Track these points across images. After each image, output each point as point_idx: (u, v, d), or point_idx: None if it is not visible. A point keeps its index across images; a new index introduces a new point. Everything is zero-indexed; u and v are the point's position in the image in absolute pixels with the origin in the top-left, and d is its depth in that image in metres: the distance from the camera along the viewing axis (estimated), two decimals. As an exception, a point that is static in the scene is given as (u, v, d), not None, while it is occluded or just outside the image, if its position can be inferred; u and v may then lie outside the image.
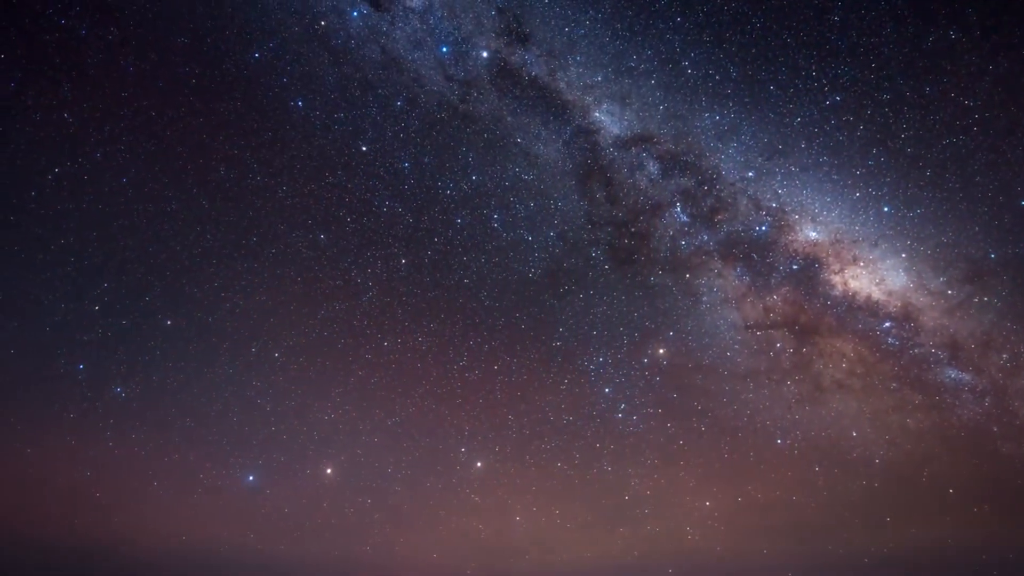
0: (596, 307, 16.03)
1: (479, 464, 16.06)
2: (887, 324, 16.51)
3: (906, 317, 16.25)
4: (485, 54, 14.68)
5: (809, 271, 16.42)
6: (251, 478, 14.89)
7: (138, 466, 14.26)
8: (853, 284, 16.47)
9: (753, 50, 15.13)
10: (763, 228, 16.16)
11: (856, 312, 16.62)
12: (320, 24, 14.01)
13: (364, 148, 14.72)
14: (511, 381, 15.88)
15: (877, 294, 16.41)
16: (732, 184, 15.90)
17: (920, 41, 14.27)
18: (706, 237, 16.24)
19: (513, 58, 14.72)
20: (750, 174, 15.83)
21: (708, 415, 16.72)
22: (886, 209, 15.75)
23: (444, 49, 14.53)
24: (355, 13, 14.03)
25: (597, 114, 15.23)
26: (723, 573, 16.81)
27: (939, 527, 16.43)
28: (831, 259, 16.32)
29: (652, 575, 16.67)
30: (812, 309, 16.61)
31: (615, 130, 15.44)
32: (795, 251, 16.27)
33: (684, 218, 16.08)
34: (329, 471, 15.32)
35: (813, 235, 16.19)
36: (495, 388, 15.89)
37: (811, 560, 16.97)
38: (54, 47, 12.61)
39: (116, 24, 13.07)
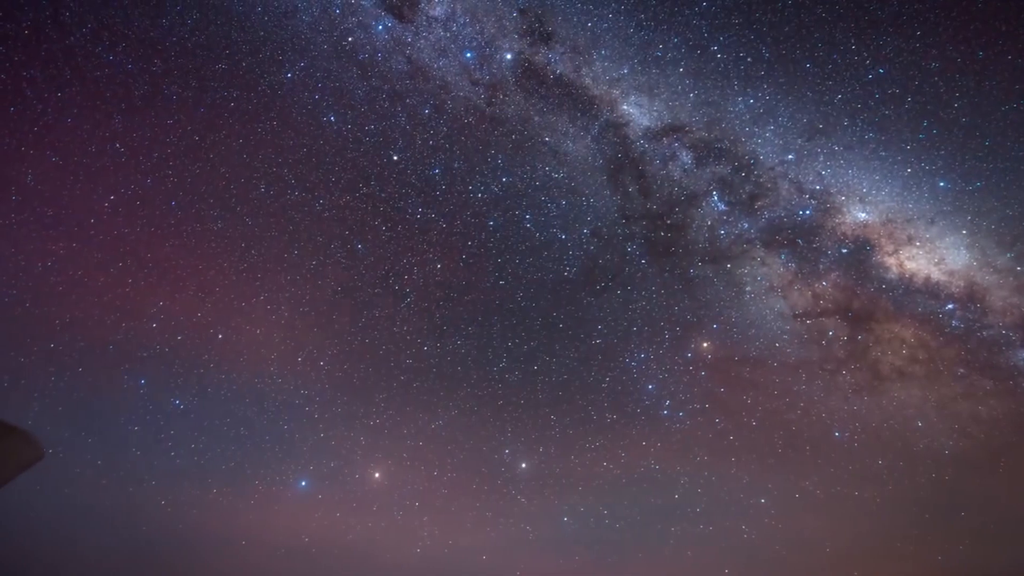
0: (635, 303, 15.77)
1: (524, 465, 16.05)
2: (950, 306, 15.54)
3: (971, 297, 15.25)
4: (509, 56, 14.74)
5: (860, 254, 15.66)
6: (303, 483, 15.39)
7: (198, 474, 15.00)
8: (910, 265, 15.59)
9: (786, 28, 14.58)
10: (807, 212, 15.52)
11: (914, 295, 15.72)
12: (347, 40, 14.41)
13: (395, 157, 15.02)
14: (552, 381, 15.82)
15: (937, 275, 15.48)
16: (771, 168, 15.35)
17: (969, 2, 13.42)
18: (746, 225, 15.74)
19: (537, 58, 14.71)
20: (790, 157, 15.24)
21: (759, 409, 16.15)
22: (942, 184, 14.85)
23: (468, 54, 14.68)
24: (380, 27, 14.36)
25: (625, 107, 15.03)
26: (784, 572, 16.18)
27: (1020, 521, 15.30)
28: (883, 240, 15.50)
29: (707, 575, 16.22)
30: (865, 294, 15.81)
31: (645, 122, 15.19)
32: (843, 234, 15.55)
33: (722, 207, 15.64)
34: (377, 475, 15.66)
35: (862, 216, 15.43)
36: (536, 389, 15.86)
37: (878, 558, 16.12)
38: (104, 82, 13.46)
39: (159, 56, 13.84)
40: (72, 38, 12.55)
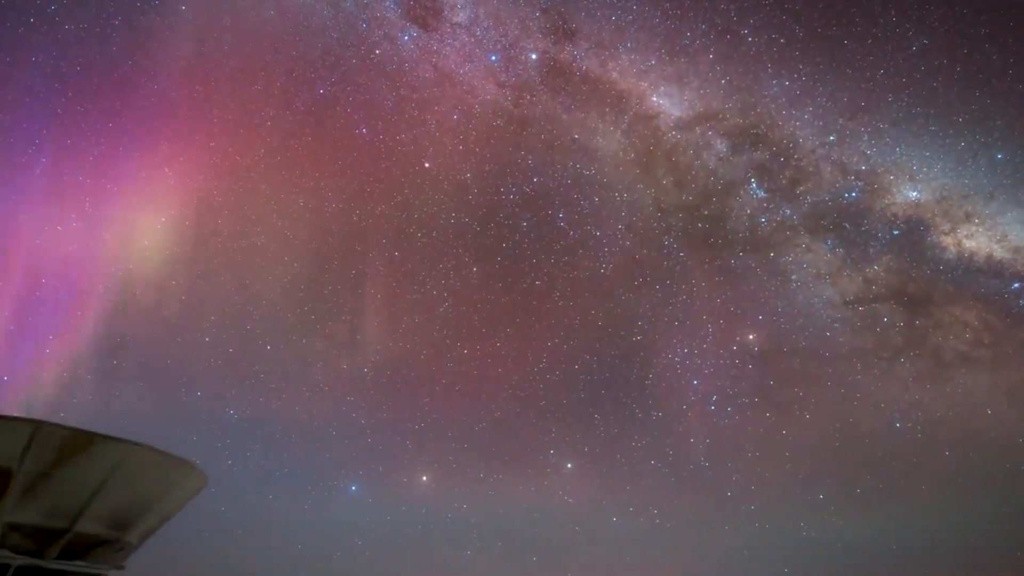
0: (675, 297, 15.48)
1: (569, 465, 15.95)
2: (1016, 285, 14.61)
3: (1039, 275, 14.33)
4: (534, 56, 14.77)
5: (913, 235, 14.91)
6: (354, 488, 15.75)
7: (253, 481, 15.55)
8: (969, 244, 14.74)
9: (820, 4, 14.08)
10: (853, 194, 14.89)
11: (976, 275, 14.84)
12: (375, 53, 14.75)
13: (427, 164, 15.25)
14: (593, 380, 15.68)
15: (1000, 252, 14.58)
16: (812, 151, 14.81)
17: (1020, -38, 12.68)
18: (788, 211, 15.22)
19: (562, 55, 14.68)
20: (831, 138, 14.67)
21: (812, 401, 15.56)
22: (999, 156, 14.01)
23: (493, 57, 14.79)
24: (405, 37, 14.65)
25: (654, 98, 14.80)
26: (847, 571, 15.48)
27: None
28: (938, 219, 14.72)
29: (765, 574, 15.69)
30: (921, 277, 15.03)
31: (675, 112, 14.92)
32: (894, 215, 14.84)
33: (761, 193, 15.18)
34: (424, 478, 15.87)
35: (913, 195, 14.70)
36: (578, 388, 15.75)
37: (952, 554, 15.21)
38: (151, 110, 14.21)
39: (201, 82, 14.51)
40: (119, 71, 13.32)
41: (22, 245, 13.80)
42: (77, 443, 6.44)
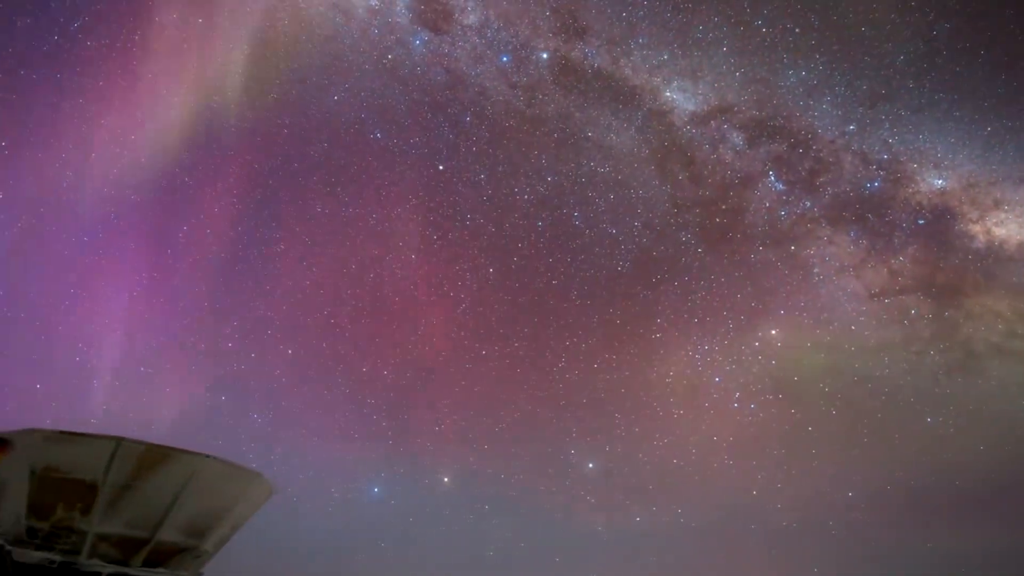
0: (694, 293, 15.29)
1: (591, 465, 15.85)
2: (1050, 272, 14.11)
3: (1074, 262, 13.83)
4: (545, 55, 14.75)
5: (940, 224, 14.51)
6: (376, 490, 15.86)
7: (279, 484, 15.73)
8: (999, 232, 14.29)
9: (835, -8, 13.83)
10: (875, 184, 14.56)
11: (1007, 263, 14.37)
12: (387, 58, 14.89)
13: (441, 167, 15.33)
14: (613, 379, 15.56)
15: (1032, 239, 14.12)
16: (831, 142, 14.52)
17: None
18: (808, 203, 14.94)
19: (573, 54, 14.63)
20: (851, 127, 14.37)
21: (838, 397, 15.21)
22: (1028, 140, 13.58)
23: (504, 58, 14.81)
24: (417, 41, 14.76)
25: (668, 93, 14.67)
26: (878, 571, 15.10)
27: None
28: (965, 207, 14.30)
29: (794, 574, 15.39)
30: (950, 267, 14.61)
31: (689, 106, 14.76)
32: (919, 204, 14.47)
33: (780, 186, 14.92)
34: (446, 480, 15.91)
35: (939, 183, 14.31)
36: (597, 387, 15.65)
37: (991, 556, 14.73)
38: (171, 122, 14.53)
39: (218, 93, 14.79)
40: (139, 85, 13.66)
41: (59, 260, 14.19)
42: (154, 456, 7.04)
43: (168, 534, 7.32)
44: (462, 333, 15.50)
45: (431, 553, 16.00)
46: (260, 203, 15.40)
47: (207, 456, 7.27)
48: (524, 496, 15.91)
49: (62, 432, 6.76)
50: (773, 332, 15.41)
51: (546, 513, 15.99)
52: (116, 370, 14.51)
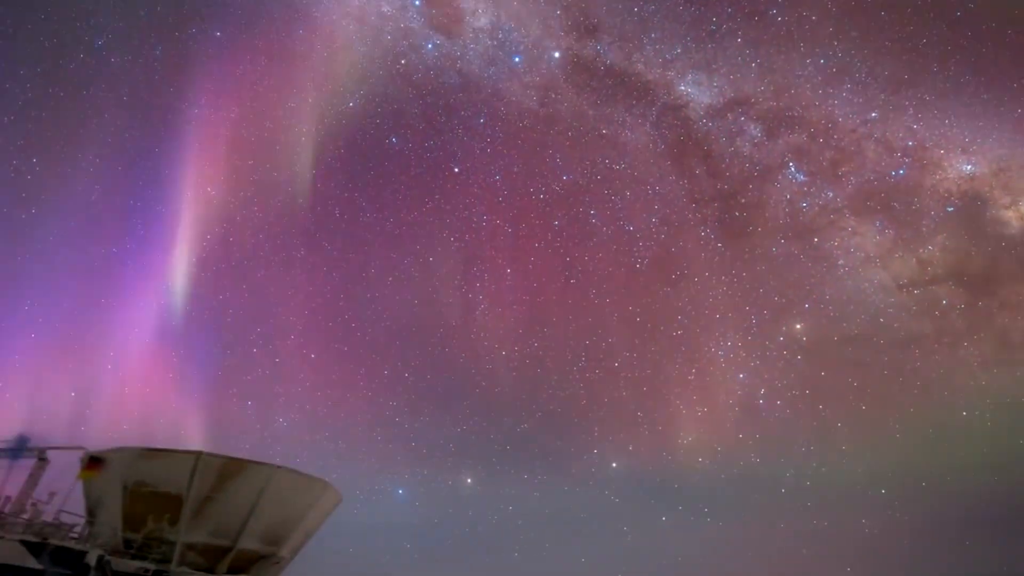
0: (715, 288, 15.08)
1: (614, 465, 15.72)
2: (1090, 258, 13.52)
3: (1116, 246, 13.24)
4: (557, 54, 14.76)
5: (970, 210, 14.12)
6: (400, 492, 15.97)
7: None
8: (1033, 217, 13.77)
9: (852, -24, 13.52)
10: (900, 172, 14.23)
11: (1044, 250, 13.82)
12: (401, 63, 15.07)
13: (456, 169, 15.43)
14: (634, 377, 15.42)
15: (1069, 224, 13.56)
16: (853, 130, 14.25)
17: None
18: (831, 194, 14.68)
19: (585, 51, 14.59)
20: (873, 115, 14.08)
21: (867, 391, 14.87)
22: (1063, 120, 13.06)
23: (516, 59, 14.85)
24: (429, 45, 14.90)
25: (682, 87, 14.56)
26: (914, 571, 14.61)
27: None
28: (997, 192, 13.90)
29: (827, 574, 14.98)
30: (982, 254, 14.17)
31: (705, 99, 14.63)
32: (947, 191, 14.09)
33: (801, 177, 14.70)
34: (469, 480, 15.93)
35: (968, 168, 13.93)
36: (619, 386, 15.52)
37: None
38: (193, 133, 14.87)
39: (237, 103, 15.11)
40: (160, 98, 14.02)
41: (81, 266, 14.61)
42: (232, 468, 7.58)
43: (248, 542, 7.87)
44: (481, 334, 15.53)
45: (456, 554, 16.01)
46: (279, 211, 15.68)
47: (279, 467, 7.82)
48: (547, 497, 15.84)
49: (147, 448, 7.26)
50: (798, 327, 15.13)
51: (570, 513, 15.90)
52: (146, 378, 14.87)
